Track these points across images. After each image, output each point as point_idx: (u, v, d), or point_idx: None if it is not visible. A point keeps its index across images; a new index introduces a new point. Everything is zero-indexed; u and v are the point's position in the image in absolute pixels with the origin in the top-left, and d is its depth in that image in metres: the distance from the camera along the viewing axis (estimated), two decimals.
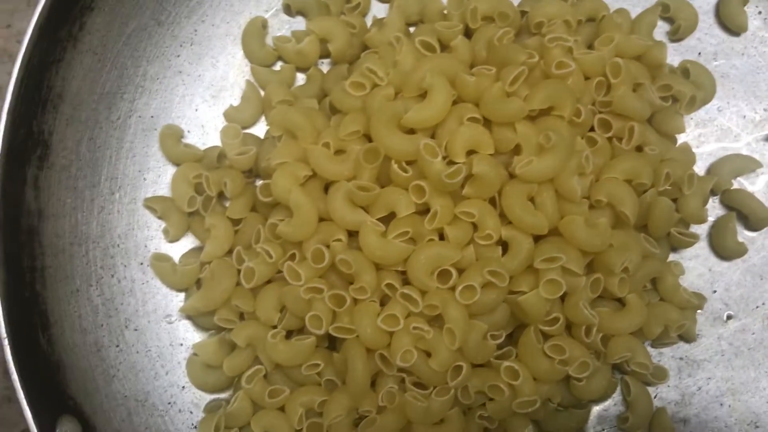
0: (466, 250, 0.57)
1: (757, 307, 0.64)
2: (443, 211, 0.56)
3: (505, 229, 0.57)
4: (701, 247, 0.65)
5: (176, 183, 0.64)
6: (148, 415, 0.62)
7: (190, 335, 0.64)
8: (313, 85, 0.66)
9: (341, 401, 0.57)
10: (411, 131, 0.58)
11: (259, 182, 0.62)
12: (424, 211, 0.57)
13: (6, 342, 0.54)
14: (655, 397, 0.63)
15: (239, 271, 0.60)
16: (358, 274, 0.56)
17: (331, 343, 0.61)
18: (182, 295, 0.65)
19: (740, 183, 0.66)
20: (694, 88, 0.63)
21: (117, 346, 0.63)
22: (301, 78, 0.68)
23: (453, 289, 0.56)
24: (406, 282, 0.57)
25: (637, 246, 0.59)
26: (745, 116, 0.67)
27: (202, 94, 0.68)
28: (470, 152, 0.56)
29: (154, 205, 0.65)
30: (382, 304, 0.57)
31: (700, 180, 0.63)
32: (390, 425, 0.57)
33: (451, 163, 0.56)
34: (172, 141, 0.65)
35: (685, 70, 0.66)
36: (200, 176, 0.62)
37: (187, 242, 0.66)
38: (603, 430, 0.63)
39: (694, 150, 0.65)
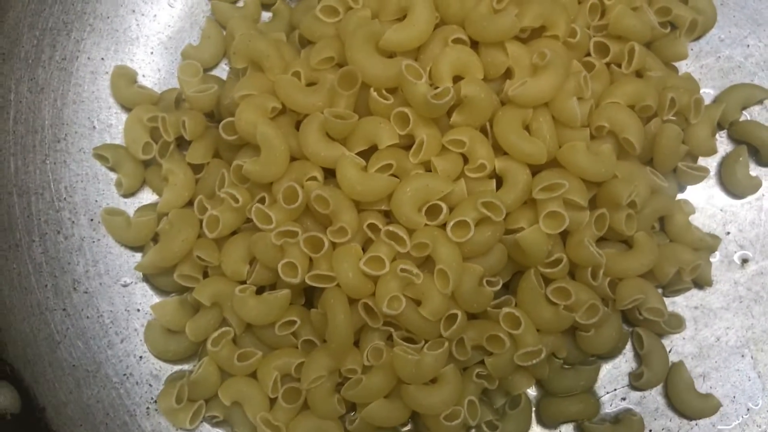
0: (456, 184, 0.52)
1: None
2: (430, 140, 0.51)
3: (498, 160, 0.53)
4: (710, 186, 0.61)
5: (129, 128, 0.59)
6: (100, 387, 0.56)
7: (148, 300, 0.59)
8: (281, 21, 0.62)
9: (321, 361, 0.52)
10: (391, 56, 0.53)
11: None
12: (407, 146, 0.52)
13: None
14: (670, 351, 0.58)
15: (202, 221, 0.54)
16: (337, 213, 0.51)
17: (308, 301, 0.55)
18: (138, 256, 0.59)
19: (746, 116, 0.62)
20: (694, 12, 0.59)
21: (63, 309, 0.57)
22: (266, 16, 0.64)
23: (444, 226, 0.51)
24: (390, 223, 0.52)
25: (643, 178, 0.54)
26: (749, 45, 0.63)
27: (158, 35, 0.63)
28: (456, 78, 0.52)
29: (104, 153, 0.59)
30: (364, 250, 0.52)
31: (708, 108, 0.59)
32: (377, 386, 0.52)
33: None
34: (125, 83, 0.61)
35: None
36: (156, 119, 0.57)
37: (143, 197, 0.61)
38: (615, 389, 0.58)
39: None
